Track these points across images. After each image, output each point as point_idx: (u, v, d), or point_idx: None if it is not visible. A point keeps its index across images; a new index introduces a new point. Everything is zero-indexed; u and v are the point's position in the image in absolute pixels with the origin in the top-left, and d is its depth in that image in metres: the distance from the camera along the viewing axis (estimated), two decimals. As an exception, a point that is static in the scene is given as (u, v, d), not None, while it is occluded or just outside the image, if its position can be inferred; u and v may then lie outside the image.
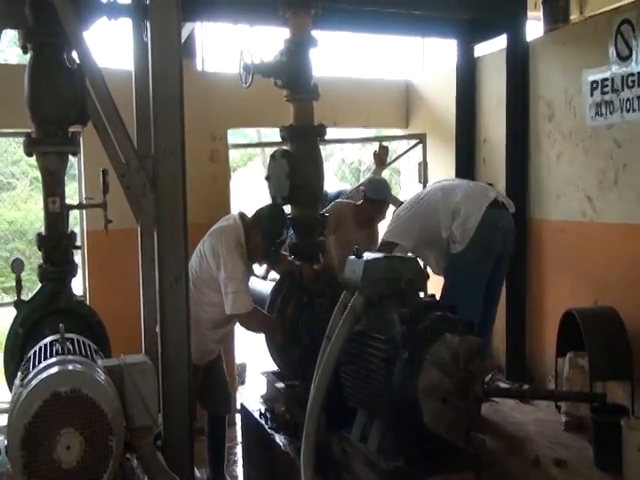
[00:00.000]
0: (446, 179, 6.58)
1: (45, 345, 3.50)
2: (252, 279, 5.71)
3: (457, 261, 5.73)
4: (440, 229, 5.79)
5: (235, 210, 5.81)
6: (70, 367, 3.07)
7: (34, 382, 2.96)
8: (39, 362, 3.21)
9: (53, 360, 3.13)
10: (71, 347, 3.38)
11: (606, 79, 5.95)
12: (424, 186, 7.87)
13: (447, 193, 5.91)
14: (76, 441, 2.94)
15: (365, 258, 4.08)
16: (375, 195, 6.62)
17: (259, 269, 6.21)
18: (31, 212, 12.18)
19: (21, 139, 4.24)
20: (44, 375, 2.98)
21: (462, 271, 5.70)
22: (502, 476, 4.27)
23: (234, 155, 13.50)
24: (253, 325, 5.25)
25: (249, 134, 14.35)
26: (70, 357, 3.21)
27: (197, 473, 4.15)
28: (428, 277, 4.27)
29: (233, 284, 5.02)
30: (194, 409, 4.38)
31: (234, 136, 7.66)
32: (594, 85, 6.08)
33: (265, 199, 6.37)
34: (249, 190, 17.23)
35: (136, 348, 4.13)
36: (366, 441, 3.98)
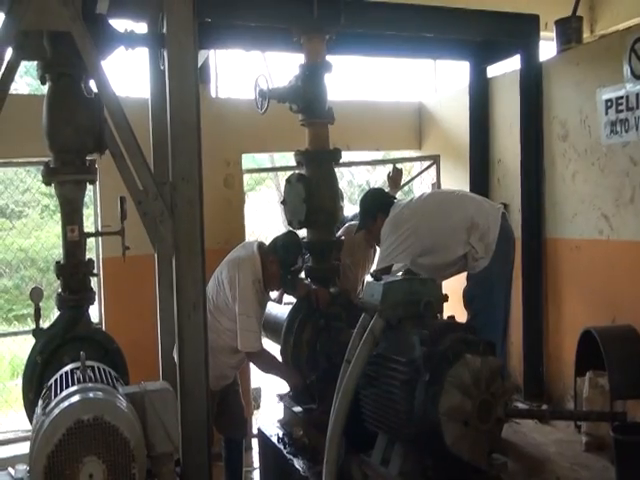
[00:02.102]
0: (429, 192, 6.55)
1: (66, 373, 3.51)
2: (269, 304, 5.73)
3: (486, 278, 5.63)
4: (450, 247, 5.68)
5: (249, 235, 5.85)
6: (92, 395, 3.09)
7: (57, 410, 2.98)
8: (61, 390, 3.22)
9: (75, 388, 3.15)
10: (92, 375, 3.39)
11: (621, 97, 5.96)
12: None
13: (453, 207, 5.80)
14: (99, 469, 2.95)
15: (384, 281, 4.09)
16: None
17: (273, 292, 6.23)
18: (41, 240, 12.26)
19: (31, 168, 4.27)
20: (66, 403, 3.00)
21: (494, 287, 5.64)
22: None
23: (246, 180, 13.53)
24: (260, 365, 5.38)
25: (258, 158, 14.38)
26: (91, 385, 3.23)
27: (215, 499, 4.14)
28: (447, 299, 4.26)
29: (245, 322, 5.10)
30: (212, 435, 4.38)
31: (244, 161, 7.69)
32: (609, 104, 6.09)
33: (276, 222, 6.40)
34: (260, 213, 17.27)
35: (152, 375, 4.14)
36: (387, 465, 3.95)
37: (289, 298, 6.13)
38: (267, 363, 5.30)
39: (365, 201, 6.04)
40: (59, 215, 4.24)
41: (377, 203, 5.94)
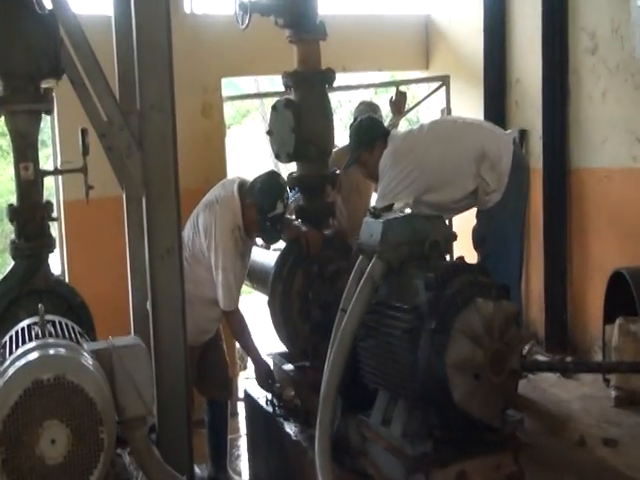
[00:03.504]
0: (431, 121, 6.45)
1: (22, 329, 3.52)
2: (255, 250, 5.75)
3: (499, 214, 5.60)
4: (458, 182, 5.63)
5: (232, 174, 5.84)
6: (52, 351, 3.09)
7: (11, 370, 2.97)
8: (16, 348, 3.24)
9: (33, 345, 3.15)
10: (52, 330, 3.41)
11: (659, 2, 5.90)
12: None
13: (459, 136, 5.76)
14: (62, 434, 2.96)
15: (384, 218, 4.10)
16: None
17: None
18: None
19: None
20: (23, 361, 3.00)
21: (508, 224, 5.64)
22: (543, 458, 4.31)
23: (228, 111, 13.40)
24: (231, 324, 5.42)
25: (243, 87, 14.28)
26: (52, 340, 3.24)
27: (197, 470, 4.20)
28: (455, 237, 4.28)
29: (221, 276, 5.16)
30: (191, 397, 4.44)
31: (225, 89, 7.65)
32: (645, 10, 6.03)
33: (264, 161, 6.38)
34: (245, 151, 17.19)
35: (124, 331, 4.18)
36: (389, 425, 4.00)
37: (278, 243, 6.15)
38: (238, 329, 5.38)
39: (360, 129, 5.94)
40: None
41: (375, 131, 5.86)
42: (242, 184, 5.38)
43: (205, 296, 5.28)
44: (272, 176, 5.42)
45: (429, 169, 5.59)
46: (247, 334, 5.41)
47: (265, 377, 5.39)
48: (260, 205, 5.20)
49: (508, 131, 6.03)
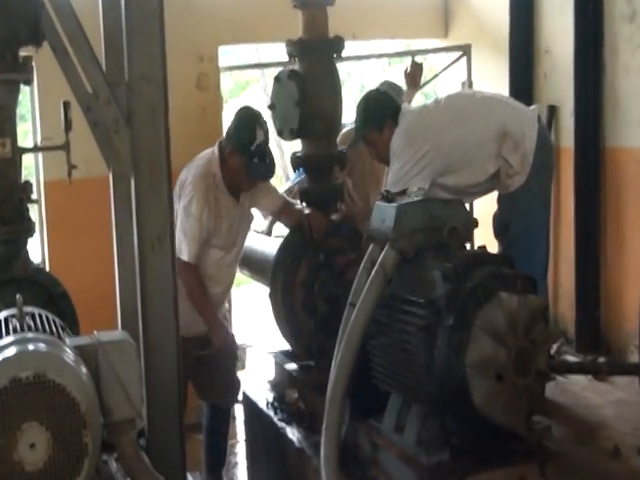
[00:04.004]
0: (447, 95, 6.17)
1: (-2, 322, 3.53)
2: (253, 237, 5.76)
3: (523, 198, 5.53)
4: (477, 163, 5.54)
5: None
6: (32, 347, 3.09)
7: (-13, 367, 3.00)
8: (-8, 343, 3.25)
9: (10, 339, 3.15)
10: (32, 323, 3.40)
11: None
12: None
13: (478, 113, 5.66)
14: (42, 438, 2.96)
15: (397, 202, 4.10)
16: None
17: (261, 224, 6.25)
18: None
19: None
20: (0, 358, 3.03)
21: (532, 209, 5.59)
22: (572, 469, 4.31)
23: (225, 82, 13.35)
24: (186, 280, 5.25)
25: (242, 56, 14.27)
26: (31, 335, 3.23)
27: (190, 478, 4.21)
28: (477, 224, 4.28)
29: (187, 221, 5.22)
30: (185, 398, 4.44)
31: (223, 59, 7.64)
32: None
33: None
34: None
35: (110, 325, 4.18)
36: (402, 431, 4.02)
37: (280, 230, 6.16)
38: (193, 286, 5.32)
39: (367, 105, 5.76)
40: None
41: (385, 107, 5.71)
42: (222, 141, 5.44)
43: None
44: (242, 109, 5.51)
45: (446, 149, 5.48)
46: (202, 294, 5.37)
47: (227, 345, 5.39)
48: (239, 142, 5.27)
49: (532, 107, 5.91)
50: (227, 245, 5.47)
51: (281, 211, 5.71)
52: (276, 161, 5.53)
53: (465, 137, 5.53)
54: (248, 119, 5.34)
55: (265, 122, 5.38)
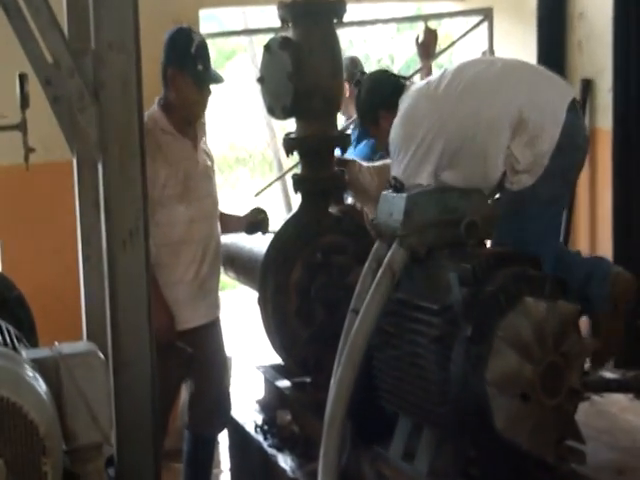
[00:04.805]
0: (455, 66, 5.72)
1: (-57, 332, 3.54)
2: (239, 238, 5.79)
3: (524, 202, 5.20)
4: (486, 157, 5.15)
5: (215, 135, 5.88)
6: (-18, 361, 3.12)
7: None
8: None
9: (-43, 352, 3.18)
10: (-18, 333, 3.43)
11: None
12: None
13: (491, 90, 5.25)
14: (-6, 466, 3.00)
15: (407, 193, 4.11)
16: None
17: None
18: None
19: None
20: (-56, 374, 3.04)
21: (530, 221, 5.18)
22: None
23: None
24: None
25: (227, 22, 14.31)
26: (-19, 347, 3.27)
27: (165, 513, 4.22)
28: (499, 217, 4.27)
29: None
30: (165, 421, 4.44)
31: (205, 24, 7.65)
32: None
33: (253, 115, 6.35)
34: (229, 103, 17.14)
35: (74, 335, 4.19)
36: (412, 460, 4.04)
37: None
38: None
39: (359, 97, 5.74)
40: None
41: (377, 97, 5.59)
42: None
43: (165, 279, 5.35)
44: (169, 30, 5.66)
45: (452, 134, 5.16)
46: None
47: (165, 339, 5.19)
48: (175, 52, 5.45)
49: (566, 88, 5.50)
50: (186, 195, 5.47)
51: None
52: (267, 143, 5.56)
53: (473, 120, 5.15)
54: (178, 31, 5.55)
55: (199, 34, 5.57)
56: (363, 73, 6.21)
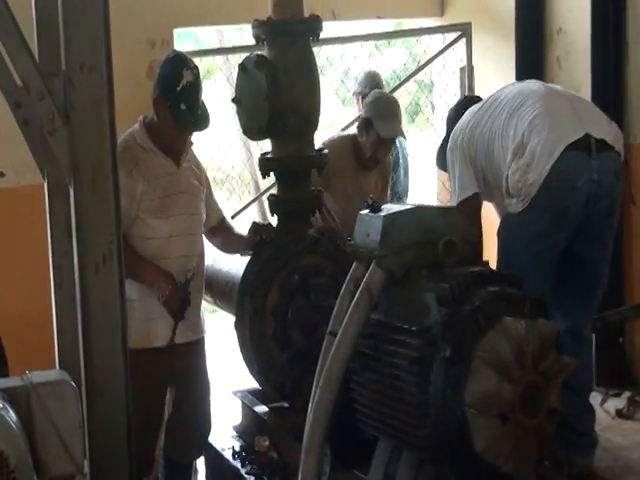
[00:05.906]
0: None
1: None
2: (217, 257, 5.77)
3: (513, 227, 5.47)
4: (500, 166, 5.53)
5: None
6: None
7: None
8: None
9: None
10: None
11: None
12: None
13: (518, 109, 5.51)
14: (-39, 502, 2.98)
15: (384, 212, 4.11)
16: (382, 120, 6.64)
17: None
18: None
19: None
20: None
21: (522, 243, 5.42)
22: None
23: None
24: None
25: (203, 40, 14.31)
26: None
27: None
28: (481, 235, 4.27)
29: None
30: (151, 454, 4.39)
31: (182, 43, 7.66)
32: None
33: (229, 136, 6.33)
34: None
35: (46, 364, 4.17)
36: (392, 483, 4.05)
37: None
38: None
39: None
40: None
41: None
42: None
43: (142, 293, 5.32)
44: (170, 53, 5.58)
45: (476, 137, 5.66)
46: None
47: (169, 295, 5.26)
48: (163, 84, 5.33)
49: (580, 128, 5.43)
50: (164, 211, 5.42)
51: (216, 230, 5.81)
52: (243, 164, 5.56)
53: (489, 131, 5.62)
54: (174, 60, 5.38)
55: (196, 67, 5.41)
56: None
